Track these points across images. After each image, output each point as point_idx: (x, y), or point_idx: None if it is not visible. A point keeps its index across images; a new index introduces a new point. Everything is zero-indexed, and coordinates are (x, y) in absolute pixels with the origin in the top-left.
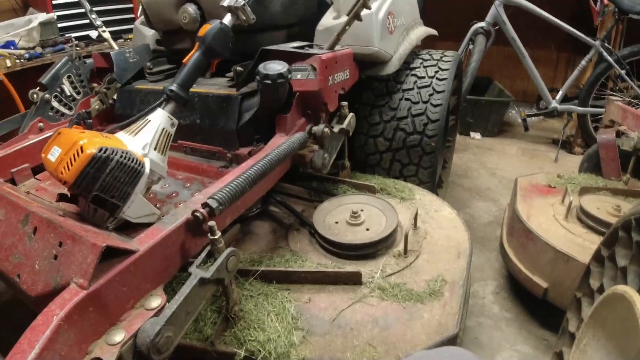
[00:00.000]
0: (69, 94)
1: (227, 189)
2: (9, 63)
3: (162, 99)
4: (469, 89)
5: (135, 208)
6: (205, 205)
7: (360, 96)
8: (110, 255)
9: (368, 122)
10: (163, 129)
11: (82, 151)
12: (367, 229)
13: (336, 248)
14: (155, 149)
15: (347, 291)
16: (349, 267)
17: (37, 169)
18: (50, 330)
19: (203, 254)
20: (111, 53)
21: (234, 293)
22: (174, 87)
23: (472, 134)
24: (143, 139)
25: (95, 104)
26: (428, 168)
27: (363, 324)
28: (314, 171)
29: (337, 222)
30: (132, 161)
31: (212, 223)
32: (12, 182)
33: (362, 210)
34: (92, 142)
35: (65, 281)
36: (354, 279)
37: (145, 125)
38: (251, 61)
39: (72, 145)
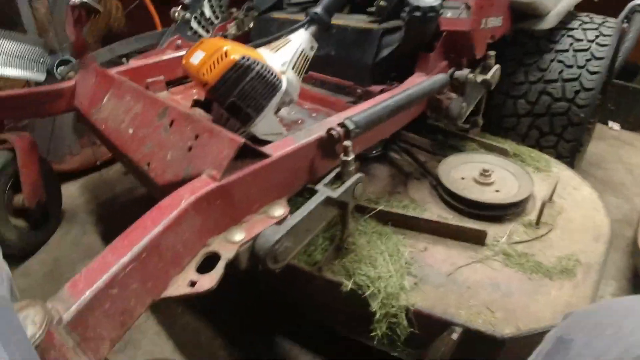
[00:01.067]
0: (208, 16)
1: (365, 114)
2: None
3: (305, 20)
4: (617, 71)
5: (265, 123)
6: (342, 125)
7: (505, 52)
8: (243, 156)
9: (510, 80)
10: (302, 51)
11: (226, 56)
12: (497, 191)
13: (460, 203)
14: (293, 68)
15: (467, 249)
16: (472, 224)
17: (171, 83)
18: (178, 212)
19: (331, 175)
20: None
21: (351, 224)
22: (318, 10)
23: (611, 123)
24: (283, 56)
25: (232, 29)
26: (570, 141)
27: (482, 285)
28: (447, 120)
29: (463, 178)
30: (271, 75)
31: (348, 143)
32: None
33: (492, 171)
34: (235, 49)
35: (196, 172)
36: (477, 238)
37: (286, 44)
38: None
39: (216, 50)
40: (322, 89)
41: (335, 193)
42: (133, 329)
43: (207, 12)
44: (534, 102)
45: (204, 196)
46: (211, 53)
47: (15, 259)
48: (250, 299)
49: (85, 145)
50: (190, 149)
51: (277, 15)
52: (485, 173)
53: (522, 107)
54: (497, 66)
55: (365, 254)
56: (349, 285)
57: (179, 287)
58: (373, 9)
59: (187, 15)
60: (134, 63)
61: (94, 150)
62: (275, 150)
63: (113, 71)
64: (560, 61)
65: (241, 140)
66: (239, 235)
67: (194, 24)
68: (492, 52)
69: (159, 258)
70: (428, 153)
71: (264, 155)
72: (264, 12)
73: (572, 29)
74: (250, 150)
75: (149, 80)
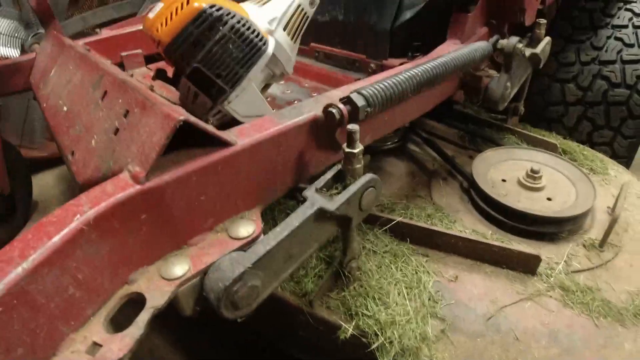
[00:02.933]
0: None
1: (379, 87)
2: None
3: None
4: None
5: (245, 101)
6: (346, 100)
7: (551, 26)
8: (192, 144)
9: (558, 60)
10: (299, 5)
11: (187, 3)
12: (549, 199)
13: (503, 215)
14: (284, 29)
15: (512, 279)
16: (519, 245)
17: (152, 59)
18: (63, 236)
19: (328, 175)
20: None
21: (355, 243)
22: None
23: None
24: (272, 11)
25: None
26: (630, 138)
27: (535, 334)
28: (487, 103)
29: (504, 180)
30: (252, 32)
31: (354, 127)
32: (121, 66)
33: (542, 172)
34: None
35: (119, 167)
36: (527, 265)
37: None
38: None
39: None
40: (326, 64)
41: (333, 203)
42: None
43: None
44: (587, 87)
45: (116, 208)
46: (171, 2)
47: None
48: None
49: None
50: (117, 131)
51: None
52: (534, 174)
53: (572, 93)
54: (547, 39)
55: (373, 284)
56: (349, 330)
57: (72, 353)
58: None
59: None
60: (106, 33)
61: None
62: (242, 136)
63: (80, 42)
64: (619, 39)
65: (179, 117)
66: (180, 268)
67: None
68: (542, 20)
69: (31, 311)
70: (456, 146)
71: (223, 143)
72: None
73: (630, 2)
74: (199, 134)
75: (124, 54)
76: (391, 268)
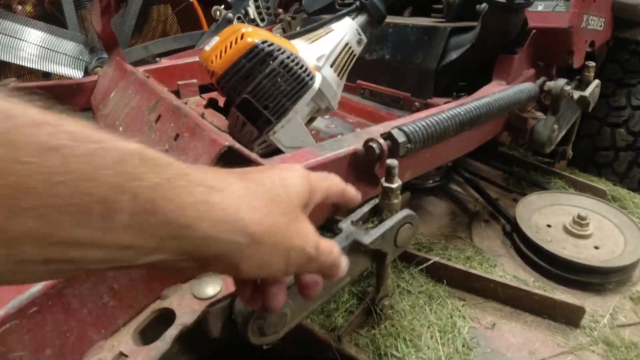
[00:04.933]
0: (252, 17)
1: (421, 124)
2: None
3: (354, 7)
4: None
5: (290, 132)
6: (387, 136)
7: (601, 69)
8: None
9: (608, 104)
10: (347, 44)
11: (241, 38)
12: (596, 247)
13: (546, 262)
14: (332, 65)
15: (553, 331)
16: (562, 294)
17: (205, 89)
18: None
19: (365, 208)
20: None
21: (389, 280)
22: None
23: None
24: (320, 49)
25: (276, 32)
26: None
27: None
28: (533, 146)
29: (549, 226)
30: (300, 68)
31: (392, 161)
32: (177, 94)
33: (589, 219)
34: (256, 33)
35: None
36: (570, 316)
37: (326, 34)
38: None
39: (232, 33)
40: (371, 100)
41: (369, 237)
42: None
43: (252, 12)
44: (638, 133)
45: None
46: (226, 36)
47: None
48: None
49: None
50: (166, 152)
51: (327, 17)
52: (581, 221)
53: (623, 137)
54: (596, 81)
55: (406, 324)
56: None
57: None
58: (440, 6)
59: (230, 14)
60: (165, 62)
61: None
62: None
63: (141, 69)
64: None
65: (224, 143)
66: (212, 288)
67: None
68: (591, 63)
69: (64, 314)
70: (500, 188)
71: None
72: (313, 14)
73: None
74: (244, 161)
75: (180, 82)
76: (425, 309)
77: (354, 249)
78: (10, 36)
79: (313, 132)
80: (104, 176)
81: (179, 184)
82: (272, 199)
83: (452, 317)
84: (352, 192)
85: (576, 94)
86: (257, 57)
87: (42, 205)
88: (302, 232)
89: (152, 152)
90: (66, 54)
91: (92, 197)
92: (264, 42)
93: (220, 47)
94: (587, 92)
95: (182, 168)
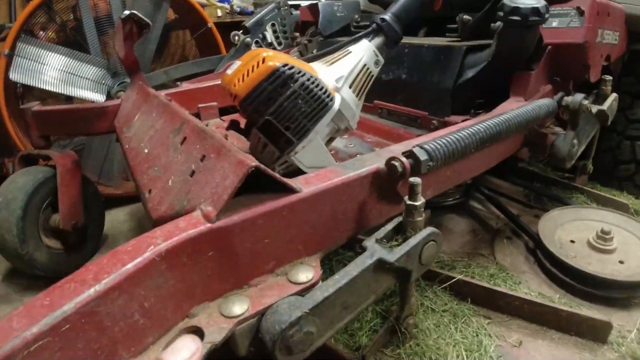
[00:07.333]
0: (269, 41)
1: (442, 142)
2: (219, 13)
3: (370, 29)
4: None
5: (311, 152)
6: (409, 154)
7: (617, 82)
8: (260, 189)
9: (626, 117)
10: (364, 65)
11: (263, 62)
12: (621, 262)
13: (571, 278)
14: (350, 86)
15: (580, 347)
16: (588, 310)
17: (225, 111)
18: (136, 264)
19: (388, 226)
20: (319, 3)
21: (413, 298)
22: (387, 17)
23: None
24: (339, 70)
25: (294, 55)
26: None
27: None
28: (553, 161)
29: (573, 241)
30: (320, 89)
31: (415, 179)
32: (197, 116)
33: (613, 233)
34: (277, 56)
35: (192, 207)
36: (597, 332)
37: (344, 56)
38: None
39: (253, 57)
40: (389, 120)
41: (393, 255)
42: None
43: (269, 36)
44: None
45: (186, 244)
46: (247, 60)
47: (45, 280)
48: None
49: None
50: (192, 173)
51: (343, 39)
52: (604, 235)
53: None
54: (614, 95)
55: (431, 343)
56: None
57: None
58: (455, 25)
59: (248, 39)
60: (186, 86)
61: None
62: (308, 184)
63: (162, 93)
64: None
65: (251, 163)
66: (239, 306)
67: (254, 48)
68: (608, 77)
69: (96, 331)
70: (521, 204)
71: (289, 190)
72: (329, 37)
73: None
74: (268, 181)
75: (201, 105)
76: (450, 328)
77: (379, 267)
78: (33, 61)
79: (332, 151)
80: None
81: None
82: None
83: (477, 335)
84: None
85: (594, 108)
86: (278, 80)
87: None
88: None
89: None
90: (89, 79)
91: None
92: (284, 65)
93: (242, 70)
94: (605, 106)
95: None
